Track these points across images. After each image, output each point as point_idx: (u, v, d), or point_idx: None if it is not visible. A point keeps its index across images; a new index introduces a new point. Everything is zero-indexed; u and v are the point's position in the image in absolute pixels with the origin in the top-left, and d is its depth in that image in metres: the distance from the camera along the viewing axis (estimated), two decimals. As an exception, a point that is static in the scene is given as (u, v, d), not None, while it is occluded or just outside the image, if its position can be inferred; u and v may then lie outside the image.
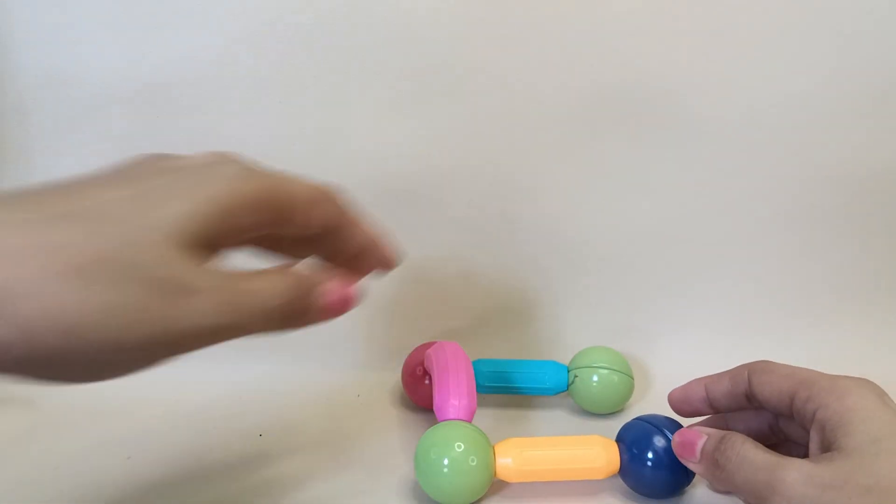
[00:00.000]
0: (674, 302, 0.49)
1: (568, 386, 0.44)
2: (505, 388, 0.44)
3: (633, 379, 0.44)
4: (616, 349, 0.45)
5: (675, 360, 0.46)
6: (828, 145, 0.46)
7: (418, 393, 0.44)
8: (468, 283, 0.49)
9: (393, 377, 0.46)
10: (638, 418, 0.37)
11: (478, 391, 0.41)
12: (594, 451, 0.36)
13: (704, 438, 0.31)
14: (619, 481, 0.36)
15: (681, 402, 0.36)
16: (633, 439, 0.35)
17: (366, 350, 0.49)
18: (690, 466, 0.32)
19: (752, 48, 0.44)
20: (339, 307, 0.26)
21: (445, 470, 0.34)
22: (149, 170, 0.24)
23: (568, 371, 0.44)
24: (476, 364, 0.43)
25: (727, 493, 0.33)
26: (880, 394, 0.29)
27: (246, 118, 0.45)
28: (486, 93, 0.45)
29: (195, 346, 0.22)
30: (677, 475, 0.35)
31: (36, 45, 0.44)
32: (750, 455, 0.29)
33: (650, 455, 0.35)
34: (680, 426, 0.36)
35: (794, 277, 0.49)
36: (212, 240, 0.22)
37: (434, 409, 0.39)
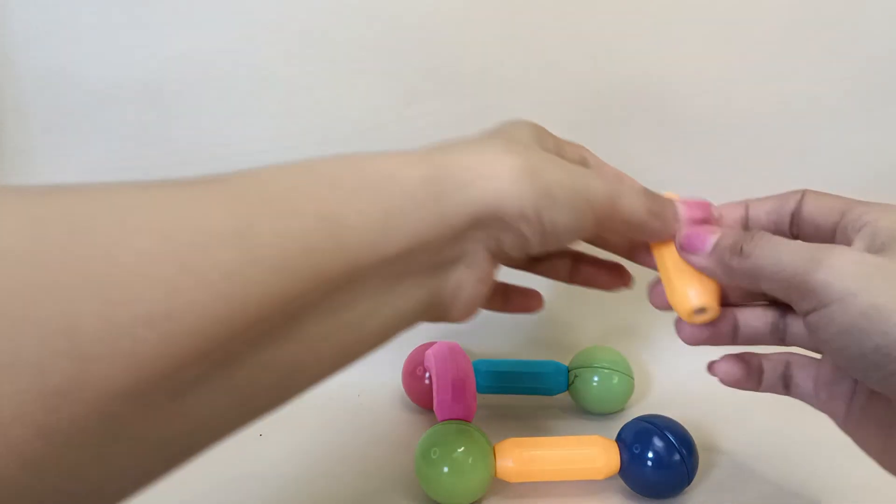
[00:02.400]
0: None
1: (568, 386, 0.44)
2: (505, 388, 0.44)
3: (633, 379, 0.44)
4: (616, 349, 0.45)
5: (675, 360, 0.46)
6: (828, 145, 0.46)
7: (418, 393, 0.44)
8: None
9: (393, 377, 0.46)
10: (638, 418, 0.37)
11: (478, 391, 0.41)
12: (594, 451, 0.36)
13: (719, 233, 0.28)
14: (619, 481, 0.36)
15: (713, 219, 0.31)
16: (633, 439, 0.35)
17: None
18: (693, 260, 0.28)
19: (753, 48, 0.44)
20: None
21: (445, 470, 0.34)
22: (496, 132, 0.30)
23: (568, 371, 0.44)
24: (476, 364, 0.43)
25: (746, 287, 0.29)
26: None
27: (246, 118, 0.45)
28: (487, 92, 0.45)
29: (597, 217, 0.27)
30: (677, 475, 0.35)
31: (36, 45, 0.44)
32: (786, 242, 0.26)
33: (650, 455, 0.35)
34: (680, 427, 0.36)
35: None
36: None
37: (434, 409, 0.39)
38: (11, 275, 0.15)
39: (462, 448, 0.35)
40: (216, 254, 0.18)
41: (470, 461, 0.34)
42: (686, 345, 0.31)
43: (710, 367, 0.31)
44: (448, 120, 0.46)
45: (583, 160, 0.33)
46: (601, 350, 0.44)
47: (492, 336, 0.49)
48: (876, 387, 0.24)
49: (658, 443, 0.35)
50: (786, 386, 0.31)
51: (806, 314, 0.25)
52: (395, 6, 0.44)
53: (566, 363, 0.45)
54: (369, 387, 0.47)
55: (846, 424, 0.29)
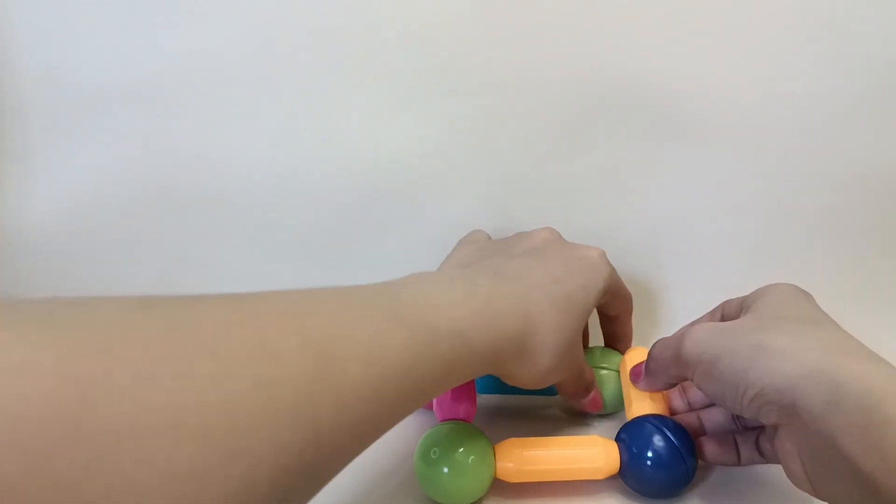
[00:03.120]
0: (674, 302, 0.49)
1: (568, 386, 0.44)
2: (505, 388, 0.44)
3: (633, 379, 0.44)
4: (616, 349, 0.45)
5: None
6: (828, 145, 0.46)
7: (418, 393, 0.44)
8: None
9: (393, 377, 0.46)
10: (638, 418, 0.37)
11: (478, 391, 0.41)
12: (594, 451, 0.36)
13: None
14: (619, 481, 0.36)
15: None
16: (633, 439, 0.35)
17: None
18: (639, 384, 0.38)
19: (754, 47, 0.44)
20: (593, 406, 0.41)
21: (445, 470, 0.34)
22: (553, 254, 0.37)
23: (568, 371, 0.44)
24: (476, 364, 0.43)
25: (660, 387, 0.38)
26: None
27: (246, 118, 0.45)
28: (486, 92, 0.45)
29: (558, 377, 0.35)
30: (677, 475, 0.35)
31: (36, 44, 0.44)
32: (669, 337, 0.35)
33: (650, 455, 0.35)
34: (680, 427, 0.36)
35: (796, 278, 0.49)
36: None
37: (434, 409, 0.39)
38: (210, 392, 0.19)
39: (462, 448, 0.35)
40: (390, 385, 0.25)
41: (470, 461, 0.34)
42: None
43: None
44: (448, 121, 0.46)
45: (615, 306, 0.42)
46: (601, 350, 0.44)
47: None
48: (745, 413, 0.30)
49: (658, 443, 0.35)
50: (761, 454, 0.35)
51: (693, 380, 0.33)
52: (395, 8, 0.44)
53: (566, 363, 0.45)
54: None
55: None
